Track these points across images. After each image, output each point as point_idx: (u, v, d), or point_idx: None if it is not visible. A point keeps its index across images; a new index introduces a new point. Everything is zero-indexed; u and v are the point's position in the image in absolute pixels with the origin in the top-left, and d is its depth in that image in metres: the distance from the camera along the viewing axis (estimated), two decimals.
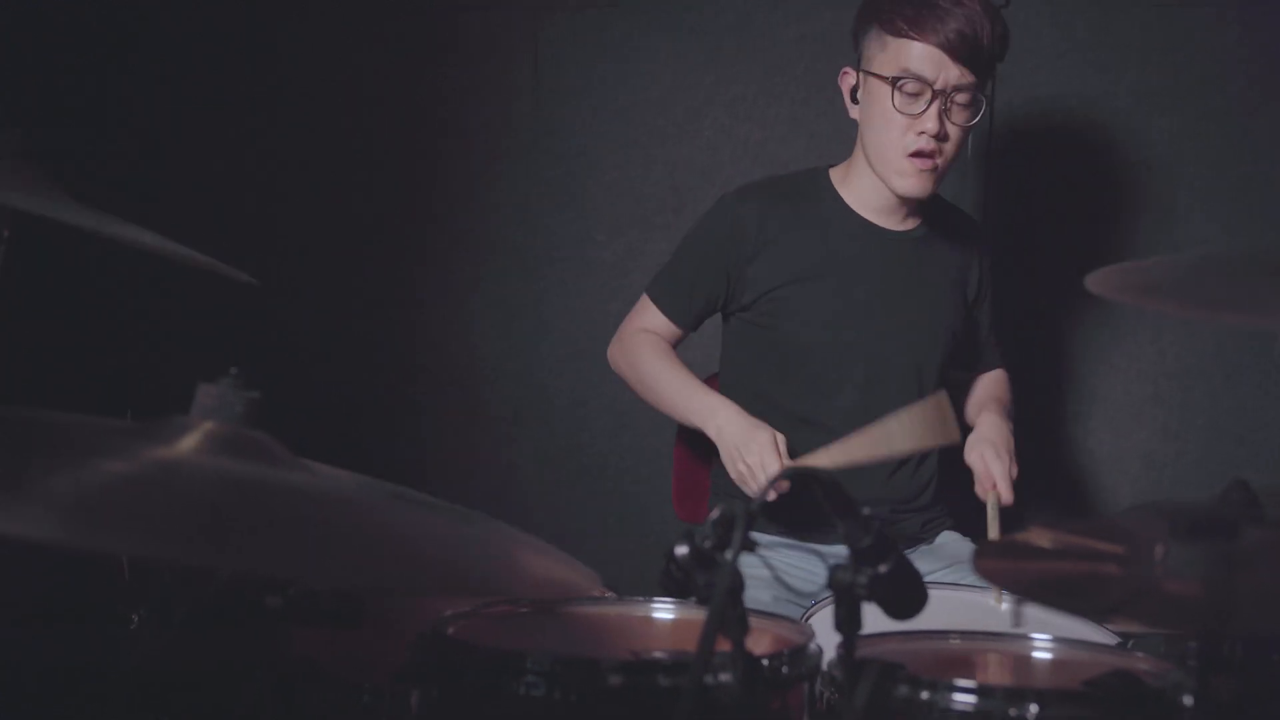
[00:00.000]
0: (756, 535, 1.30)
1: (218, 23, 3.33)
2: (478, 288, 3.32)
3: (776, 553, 2.47)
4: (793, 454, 2.38)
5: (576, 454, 3.30)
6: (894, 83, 2.34)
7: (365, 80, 3.32)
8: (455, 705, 1.52)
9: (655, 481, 3.17)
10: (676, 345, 2.58)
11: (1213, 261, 1.53)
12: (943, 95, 2.34)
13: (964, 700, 1.38)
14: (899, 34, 2.35)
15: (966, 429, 2.47)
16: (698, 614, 1.65)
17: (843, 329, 2.49)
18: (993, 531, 2.29)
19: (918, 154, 2.37)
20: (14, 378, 2.94)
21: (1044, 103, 3.06)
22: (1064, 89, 3.05)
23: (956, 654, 1.66)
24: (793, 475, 1.34)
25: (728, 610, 1.26)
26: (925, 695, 1.39)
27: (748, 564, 1.31)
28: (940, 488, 2.57)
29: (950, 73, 2.34)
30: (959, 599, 2.01)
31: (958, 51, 2.32)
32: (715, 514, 1.31)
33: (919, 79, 2.34)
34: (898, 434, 2.24)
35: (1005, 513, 2.31)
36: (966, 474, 2.72)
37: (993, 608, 2.00)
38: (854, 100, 2.46)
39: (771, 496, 1.71)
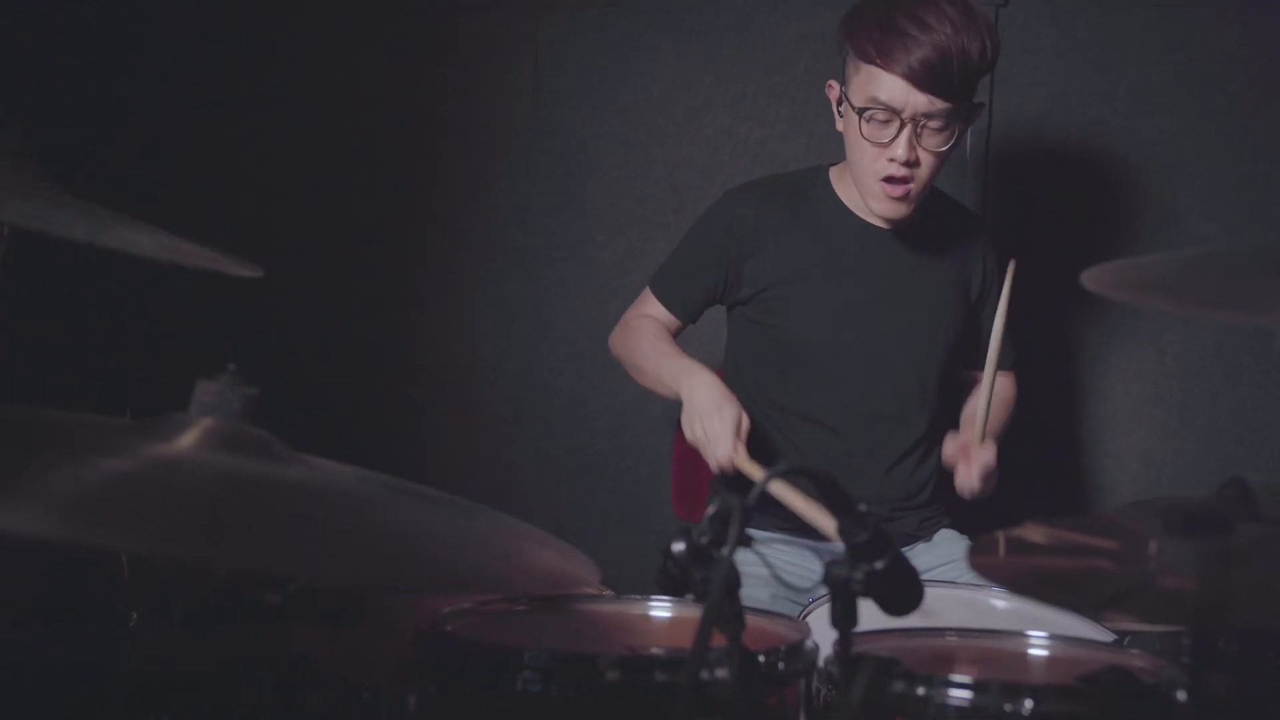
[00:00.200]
0: (753, 531, 1.30)
1: (218, 23, 3.34)
2: (478, 287, 3.33)
3: (773, 549, 2.48)
4: (795, 454, 2.39)
5: (576, 454, 3.31)
6: (861, 113, 2.34)
7: (365, 80, 3.32)
8: (454, 701, 1.53)
9: (655, 481, 3.18)
10: (676, 336, 2.59)
11: (1209, 259, 1.53)
12: (913, 122, 2.34)
13: (959, 696, 1.39)
14: (867, 60, 2.33)
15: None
16: (695, 612, 1.66)
17: (841, 328, 2.49)
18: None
19: (889, 179, 2.38)
20: (14, 377, 2.94)
21: (1043, 102, 3.06)
22: (1064, 89, 3.05)
23: (953, 651, 1.67)
24: (788, 472, 1.35)
25: (724, 606, 1.27)
26: (921, 691, 1.39)
27: (745, 561, 1.31)
28: (939, 486, 2.58)
29: (918, 101, 2.31)
30: (956, 597, 2.02)
31: (924, 82, 2.29)
32: (712, 510, 1.32)
33: (887, 108, 2.32)
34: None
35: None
36: None
37: (990, 606, 2.01)
38: (840, 113, 2.46)
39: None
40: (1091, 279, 1.43)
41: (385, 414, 3.36)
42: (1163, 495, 3.00)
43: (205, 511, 1.22)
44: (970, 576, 1.74)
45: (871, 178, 2.39)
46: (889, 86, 2.31)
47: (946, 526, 2.58)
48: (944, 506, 2.59)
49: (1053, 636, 1.66)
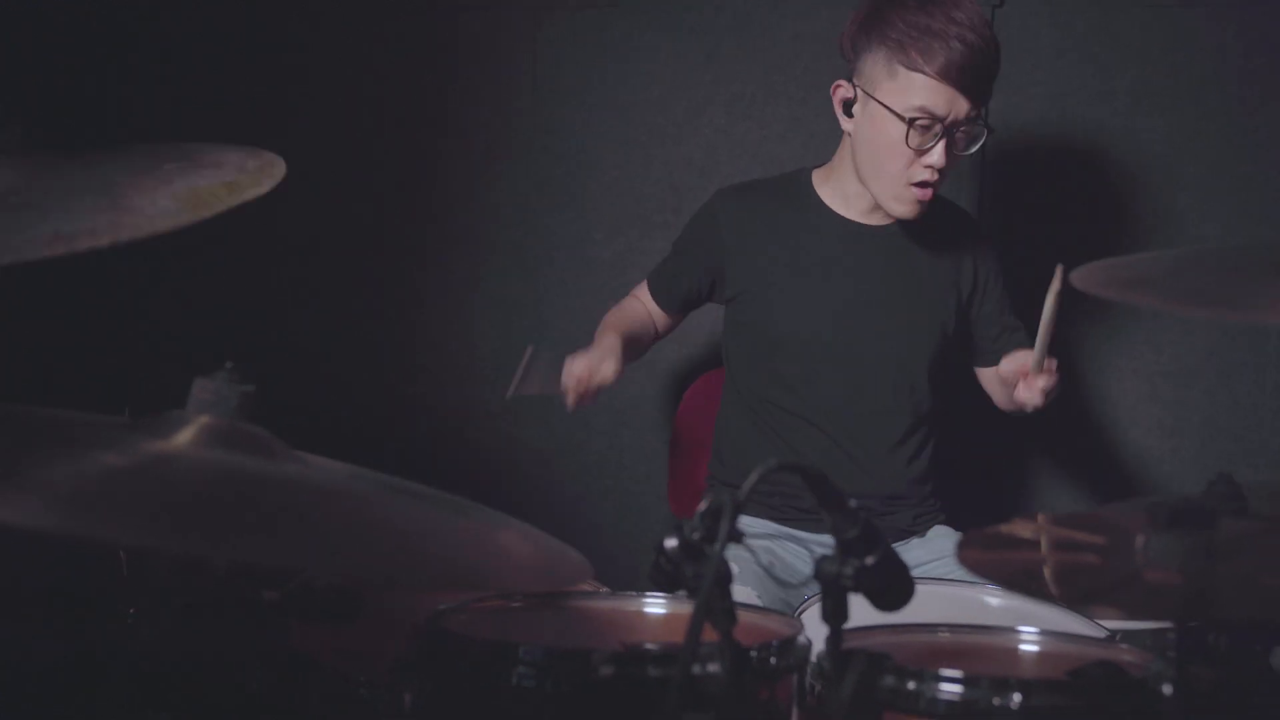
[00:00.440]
0: (746, 524, 1.31)
1: (218, 23, 3.35)
2: (477, 287, 3.34)
3: (766, 544, 2.49)
4: (787, 451, 2.41)
5: (575, 453, 3.32)
6: (910, 121, 2.32)
7: (364, 80, 3.34)
8: (449, 696, 1.54)
9: (654, 480, 3.19)
10: (667, 332, 2.67)
11: (1197, 257, 1.55)
12: (952, 129, 2.34)
13: (950, 690, 1.40)
14: (912, 67, 2.31)
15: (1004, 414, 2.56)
16: (689, 608, 1.67)
17: (823, 326, 2.51)
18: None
19: (920, 184, 2.38)
20: (14, 375, 2.96)
21: (1041, 103, 3.07)
22: (1061, 89, 3.06)
23: (945, 647, 1.68)
24: (782, 469, 1.36)
25: (715, 601, 1.28)
26: (911, 685, 1.40)
27: (738, 557, 1.32)
28: (936, 481, 2.59)
29: (960, 106, 2.32)
30: (949, 593, 2.02)
31: (971, 87, 2.30)
32: (703, 505, 1.33)
33: (933, 115, 2.32)
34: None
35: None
36: (960, 470, 2.75)
37: (983, 602, 2.02)
38: (848, 114, 2.45)
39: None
40: (1080, 277, 1.44)
41: (384, 413, 3.37)
42: (1159, 493, 3.01)
43: (201, 506, 1.23)
44: (962, 573, 1.75)
45: (901, 183, 2.39)
46: (936, 92, 2.30)
47: (941, 522, 2.59)
48: (939, 502, 2.60)
49: (1043, 632, 1.67)
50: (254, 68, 3.35)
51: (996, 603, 2.00)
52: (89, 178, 1.44)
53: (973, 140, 2.37)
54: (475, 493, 1.54)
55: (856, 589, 1.33)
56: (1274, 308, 1.35)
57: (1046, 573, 1.38)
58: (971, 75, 2.29)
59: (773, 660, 1.50)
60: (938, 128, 2.32)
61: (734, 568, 1.31)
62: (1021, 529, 1.44)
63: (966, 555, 1.39)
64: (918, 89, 2.31)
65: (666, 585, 1.37)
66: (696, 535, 1.33)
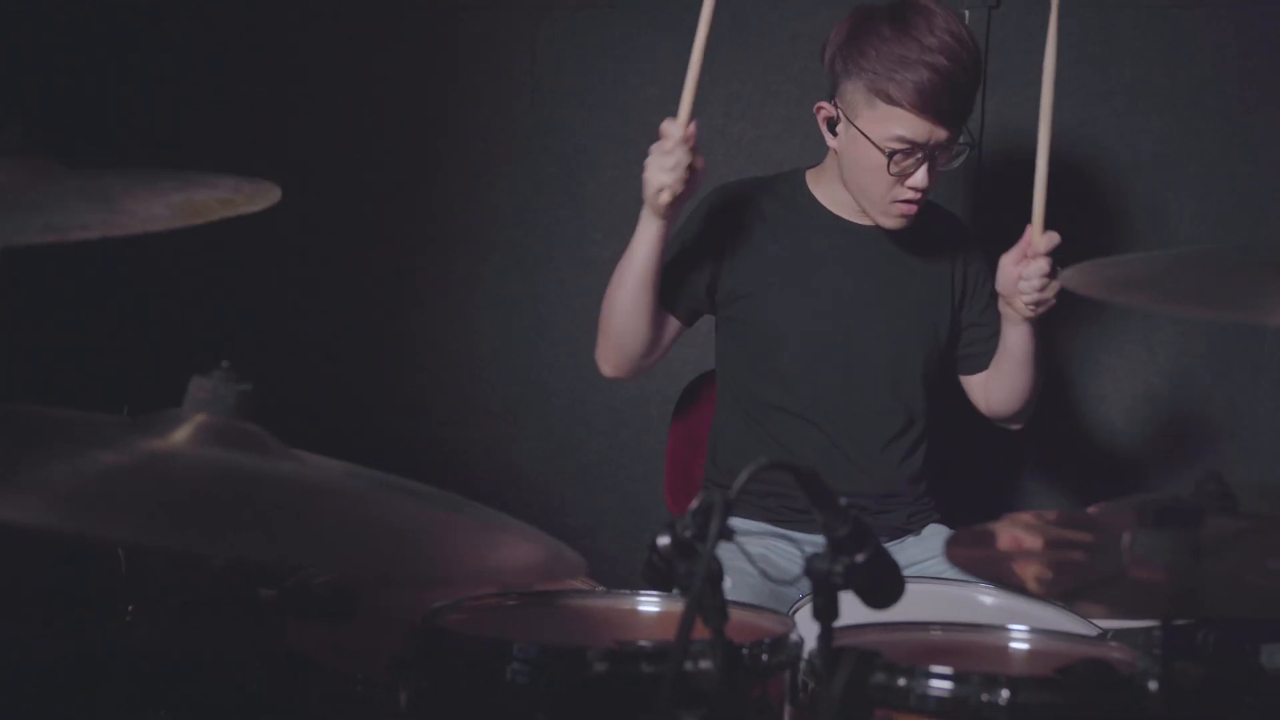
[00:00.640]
0: (738, 522, 1.32)
1: (218, 23, 3.36)
2: (476, 286, 3.34)
3: (757, 542, 2.49)
4: (781, 450, 2.42)
5: (574, 452, 3.32)
6: (890, 155, 2.35)
7: (364, 79, 3.34)
8: (445, 693, 1.55)
9: (653, 480, 3.19)
10: (673, 339, 2.58)
11: (1188, 257, 1.55)
12: (933, 151, 2.37)
13: (939, 686, 1.41)
14: (889, 100, 2.34)
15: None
16: (682, 605, 1.68)
17: (815, 324, 2.52)
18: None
19: (904, 201, 2.41)
20: (13, 375, 2.97)
21: (1037, 103, 3.06)
22: (1059, 89, 3.06)
23: (937, 645, 1.69)
24: (774, 467, 1.37)
25: (706, 598, 1.29)
26: (902, 682, 1.42)
27: (730, 554, 1.33)
28: (930, 480, 2.60)
29: (939, 134, 2.36)
30: (944, 592, 2.03)
31: (948, 113, 2.34)
32: (695, 503, 1.34)
33: (913, 144, 2.35)
34: None
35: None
36: (956, 468, 2.76)
37: (977, 601, 2.02)
38: (832, 132, 2.47)
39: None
40: (1070, 278, 1.45)
41: (382, 411, 3.38)
42: (1154, 493, 3.02)
43: (198, 504, 1.24)
44: (955, 572, 1.76)
45: (886, 200, 2.43)
46: (914, 124, 2.34)
47: (936, 521, 2.60)
48: (933, 501, 2.61)
49: (1034, 630, 1.69)
50: (254, 68, 3.36)
51: (990, 601, 2.01)
52: (88, 185, 1.46)
53: (956, 157, 2.40)
54: (474, 492, 1.54)
55: (847, 586, 1.34)
56: (1268, 308, 1.36)
57: (1034, 570, 1.39)
58: (949, 102, 2.33)
59: (764, 657, 1.52)
60: (919, 154, 2.36)
61: (725, 565, 1.32)
62: (1010, 527, 1.45)
63: (956, 553, 1.40)
64: (895, 120, 2.35)
65: (659, 583, 1.38)
66: (688, 533, 1.34)
